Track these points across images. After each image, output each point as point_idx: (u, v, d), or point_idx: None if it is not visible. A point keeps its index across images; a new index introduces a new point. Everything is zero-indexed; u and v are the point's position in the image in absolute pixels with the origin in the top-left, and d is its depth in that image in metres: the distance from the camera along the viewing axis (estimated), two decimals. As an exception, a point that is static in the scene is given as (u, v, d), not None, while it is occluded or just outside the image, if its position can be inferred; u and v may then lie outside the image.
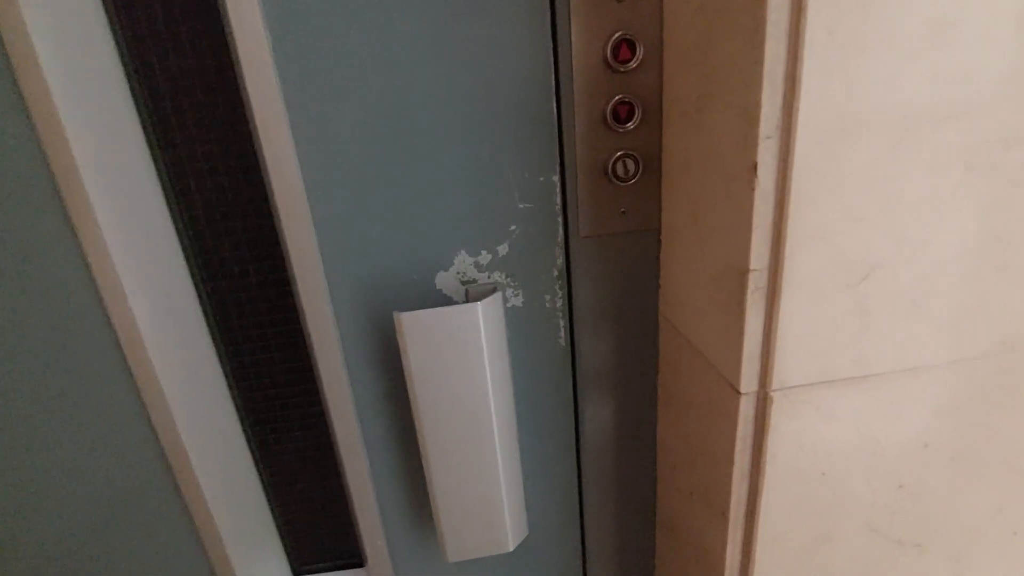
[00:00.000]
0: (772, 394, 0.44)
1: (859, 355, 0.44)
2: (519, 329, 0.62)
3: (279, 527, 0.73)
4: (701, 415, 0.53)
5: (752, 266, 0.41)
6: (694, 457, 0.56)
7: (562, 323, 0.62)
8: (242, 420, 0.67)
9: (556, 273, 0.60)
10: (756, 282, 0.41)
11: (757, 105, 0.37)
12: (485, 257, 0.59)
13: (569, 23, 0.51)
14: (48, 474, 0.61)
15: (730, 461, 0.48)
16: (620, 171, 0.56)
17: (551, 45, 0.52)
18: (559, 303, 0.61)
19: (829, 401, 0.45)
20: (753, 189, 0.39)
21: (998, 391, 0.48)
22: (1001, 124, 0.39)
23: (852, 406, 0.46)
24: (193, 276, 0.60)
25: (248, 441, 0.68)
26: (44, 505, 0.62)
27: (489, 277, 0.60)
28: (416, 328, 0.54)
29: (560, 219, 0.58)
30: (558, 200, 0.57)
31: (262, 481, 0.70)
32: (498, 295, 0.57)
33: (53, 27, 0.46)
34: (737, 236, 0.41)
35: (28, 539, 0.63)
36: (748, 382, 0.45)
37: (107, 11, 0.50)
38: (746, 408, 0.45)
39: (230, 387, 0.65)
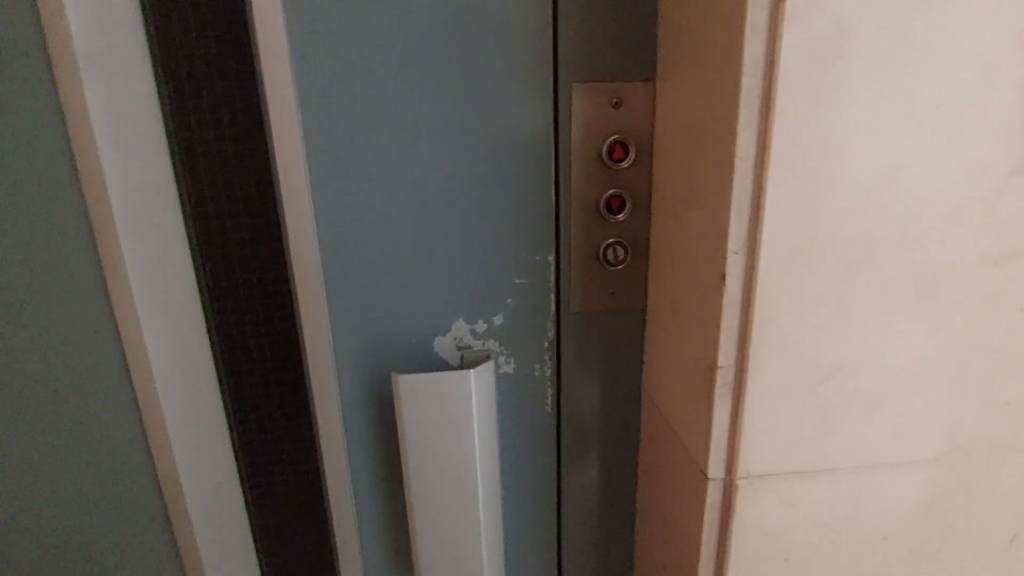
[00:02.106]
0: (738, 482, 0.47)
1: (820, 450, 0.47)
2: (509, 394, 0.65)
3: (263, 569, 0.74)
4: (675, 493, 0.56)
5: (720, 363, 0.45)
6: (667, 533, 0.58)
7: (550, 391, 0.66)
8: (238, 459, 0.69)
9: (547, 344, 0.64)
10: (724, 378, 0.45)
11: (726, 224, 0.42)
12: (481, 326, 0.63)
13: (570, 124, 0.57)
14: (38, 478, 0.62)
15: (698, 542, 0.50)
16: (611, 256, 0.60)
17: (553, 141, 0.58)
18: (548, 373, 0.65)
19: (792, 491, 0.48)
20: (722, 295, 0.43)
21: (954, 491, 0.51)
22: (947, 254, 0.43)
23: (813, 497, 0.49)
24: (207, 320, 0.64)
25: (241, 480, 0.70)
26: (31, 509, 0.63)
27: (484, 344, 0.64)
28: (412, 390, 0.58)
29: (553, 295, 0.62)
30: (552, 278, 0.62)
31: (251, 522, 0.72)
32: (490, 363, 0.61)
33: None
34: (708, 334, 0.46)
35: (13, 542, 0.65)
36: (716, 468, 0.48)
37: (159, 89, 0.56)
38: (713, 493, 0.48)
39: (230, 428, 0.68)
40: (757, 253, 0.41)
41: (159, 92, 0.57)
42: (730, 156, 0.40)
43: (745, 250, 0.42)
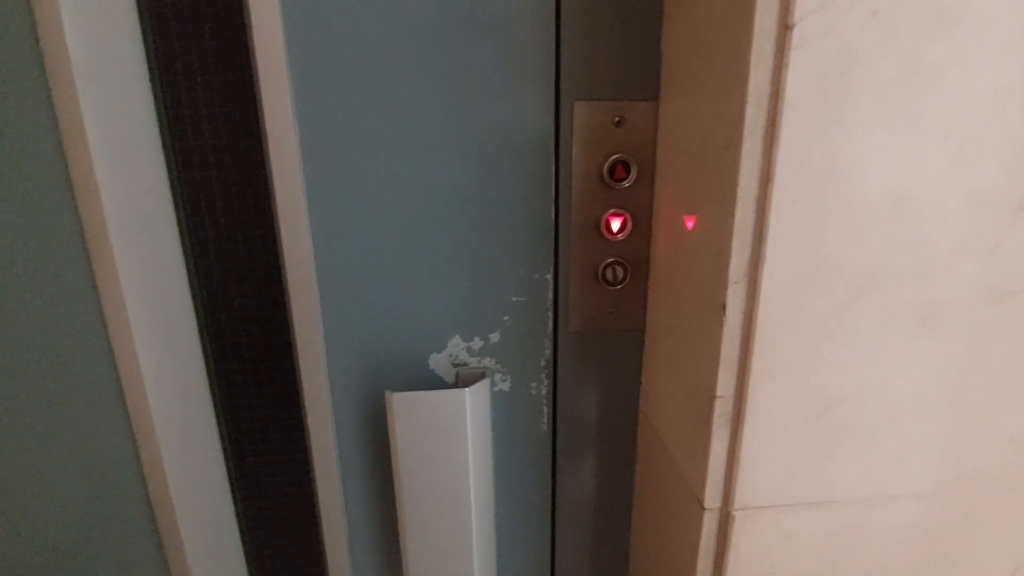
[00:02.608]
0: (735, 513, 0.46)
1: (819, 482, 0.46)
2: (504, 412, 0.65)
3: (253, 583, 0.74)
4: (670, 520, 0.55)
5: (719, 393, 0.44)
6: (662, 559, 0.58)
7: (546, 409, 0.65)
8: (230, 474, 0.69)
9: (543, 363, 0.63)
10: (722, 408, 0.44)
11: (727, 254, 0.41)
12: (477, 343, 0.62)
13: (571, 142, 0.57)
14: (28, 485, 0.61)
15: (692, 571, 0.49)
16: (609, 276, 0.60)
17: (554, 158, 0.57)
18: (544, 391, 0.64)
19: (789, 523, 0.47)
20: (722, 325, 0.42)
21: (956, 524, 0.50)
22: (950, 286, 0.42)
23: (811, 529, 0.48)
24: (200, 332, 0.64)
25: (233, 495, 0.69)
26: (19, 516, 0.62)
27: (480, 362, 0.63)
28: (405, 408, 0.57)
29: (551, 313, 0.62)
30: (550, 296, 0.61)
31: (242, 537, 0.71)
32: (486, 381, 0.60)
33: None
34: (707, 362, 0.45)
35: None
36: (712, 499, 0.47)
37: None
38: (709, 523, 0.47)
39: (223, 442, 0.67)
40: (759, 283, 0.41)
41: (156, 105, 0.56)
42: (733, 185, 0.40)
43: (746, 280, 0.41)
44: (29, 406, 0.59)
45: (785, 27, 0.37)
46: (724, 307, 0.42)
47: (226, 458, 0.68)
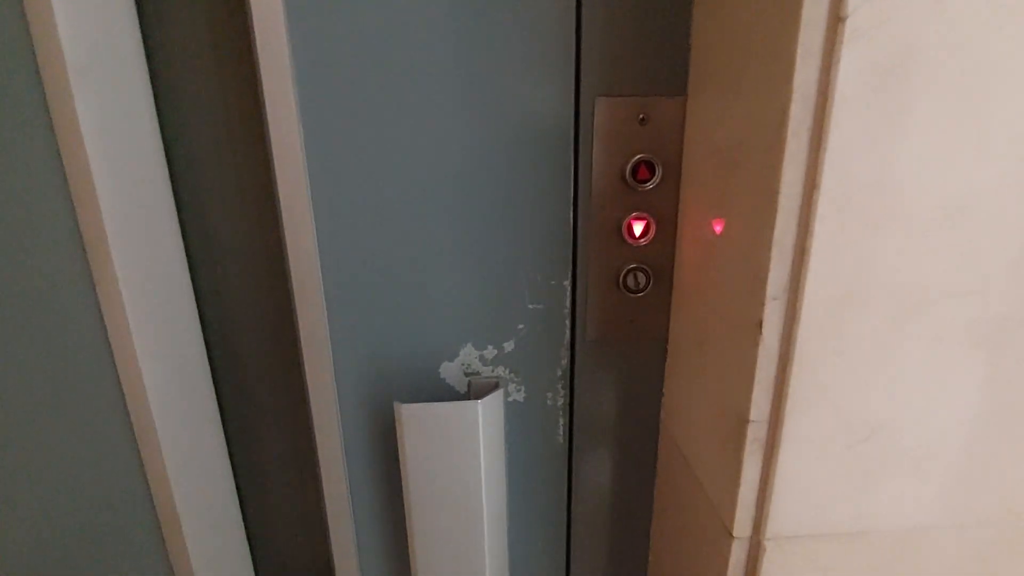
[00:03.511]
0: (765, 542, 0.43)
1: (857, 511, 0.43)
2: (518, 423, 0.62)
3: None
4: (694, 543, 0.52)
5: (752, 417, 0.41)
6: (683, 582, 0.55)
7: (562, 421, 0.62)
8: (238, 485, 0.67)
9: (560, 373, 0.60)
10: (755, 433, 0.41)
11: (765, 267, 0.37)
12: (491, 352, 0.59)
13: (592, 141, 0.53)
14: (28, 484, 0.60)
15: (718, 601, 0.47)
16: (631, 282, 0.56)
17: (573, 159, 0.54)
18: (560, 402, 0.61)
19: (824, 554, 0.44)
20: (757, 345, 0.39)
21: (1000, 557, 0.46)
22: (1010, 304, 0.39)
23: (848, 561, 0.45)
24: (206, 340, 0.62)
25: (242, 505, 0.68)
26: (19, 512, 0.61)
27: (493, 371, 0.60)
28: (415, 420, 0.55)
29: (568, 322, 0.59)
30: (568, 303, 0.58)
31: (251, 548, 0.69)
32: (499, 393, 0.57)
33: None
34: (739, 384, 0.42)
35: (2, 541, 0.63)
36: (742, 527, 0.44)
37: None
38: (738, 552, 0.44)
39: (231, 454, 0.65)
40: (800, 300, 0.37)
41: (156, 102, 0.54)
42: (773, 192, 0.36)
43: (786, 296, 0.38)
44: (30, 412, 0.57)
45: (837, 18, 0.33)
46: (760, 325, 0.38)
47: (233, 466, 0.66)
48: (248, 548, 0.69)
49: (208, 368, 0.62)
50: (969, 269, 0.38)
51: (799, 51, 0.33)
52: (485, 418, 0.55)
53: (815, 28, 0.33)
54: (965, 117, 0.35)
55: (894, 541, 0.45)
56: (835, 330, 0.38)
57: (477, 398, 0.54)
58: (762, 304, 0.38)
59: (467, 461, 0.56)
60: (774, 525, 0.43)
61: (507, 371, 0.60)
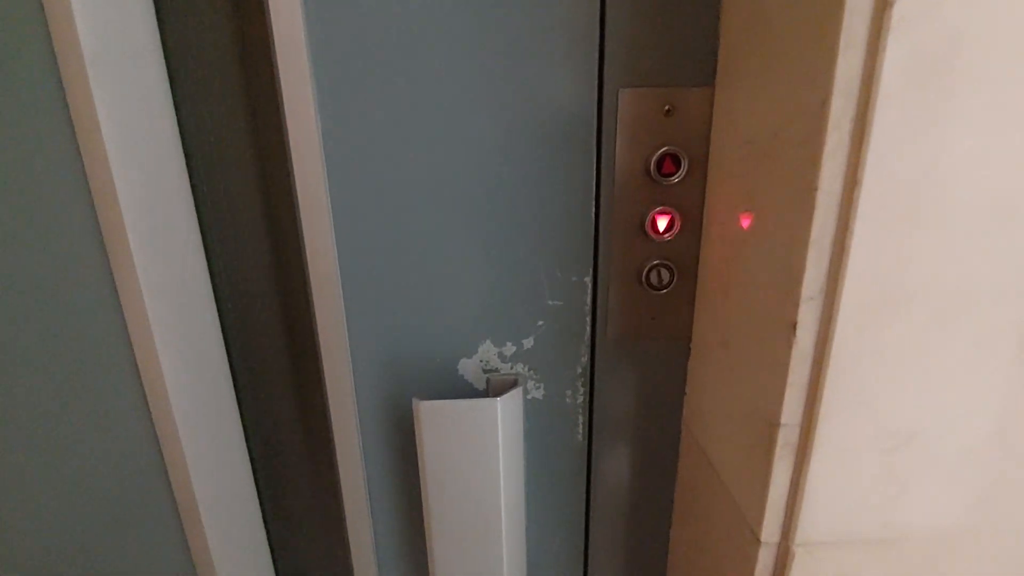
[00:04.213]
0: (795, 548, 0.42)
1: (890, 517, 0.42)
2: (537, 421, 0.61)
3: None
4: (718, 547, 0.51)
5: (783, 421, 0.39)
6: (705, 584, 0.54)
7: (581, 419, 0.61)
8: (258, 483, 0.67)
9: (580, 370, 0.59)
10: (786, 437, 0.40)
11: (801, 266, 0.36)
12: (510, 348, 0.58)
13: (616, 133, 0.52)
14: (48, 476, 0.60)
15: (743, 605, 0.46)
16: (654, 279, 0.55)
17: (596, 152, 0.52)
18: (580, 399, 0.60)
19: (853, 561, 0.43)
20: (791, 347, 0.37)
21: (1040, 565, 0.45)
22: (1062, 306, 0.37)
23: (879, 567, 0.43)
24: (224, 335, 0.62)
25: (261, 504, 0.68)
26: (41, 505, 0.62)
27: (512, 368, 0.59)
28: (434, 417, 0.54)
29: (588, 319, 0.57)
30: (588, 300, 0.57)
31: (271, 547, 0.70)
32: (518, 391, 0.56)
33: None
34: (770, 388, 0.40)
35: (24, 537, 0.63)
36: (770, 532, 0.43)
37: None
38: (765, 558, 0.43)
39: (250, 451, 0.66)
40: (837, 301, 0.36)
41: (173, 94, 0.53)
42: (811, 188, 0.34)
43: (822, 297, 0.36)
44: (51, 407, 0.57)
45: (884, 4, 0.31)
46: (794, 326, 0.37)
47: (254, 469, 0.66)
48: (267, 543, 0.70)
49: (227, 364, 0.62)
50: (1016, 270, 0.36)
51: (842, 40, 0.32)
52: (504, 415, 0.54)
53: (859, 15, 0.31)
54: (1017, 110, 0.33)
55: (926, 548, 0.43)
56: (873, 332, 0.37)
57: (496, 395, 0.54)
58: (797, 305, 0.37)
59: (486, 458, 0.56)
60: (803, 531, 0.42)
61: (526, 368, 0.59)
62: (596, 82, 0.51)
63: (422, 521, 0.65)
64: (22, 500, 0.61)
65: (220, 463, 0.62)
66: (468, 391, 0.60)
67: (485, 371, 0.59)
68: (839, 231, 0.35)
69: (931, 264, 0.35)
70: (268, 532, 0.69)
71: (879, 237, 0.34)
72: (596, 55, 0.50)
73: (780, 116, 0.38)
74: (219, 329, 0.61)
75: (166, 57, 0.53)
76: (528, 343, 0.58)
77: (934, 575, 0.44)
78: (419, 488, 0.63)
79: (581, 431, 0.62)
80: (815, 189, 0.34)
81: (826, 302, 0.36)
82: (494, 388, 0.59)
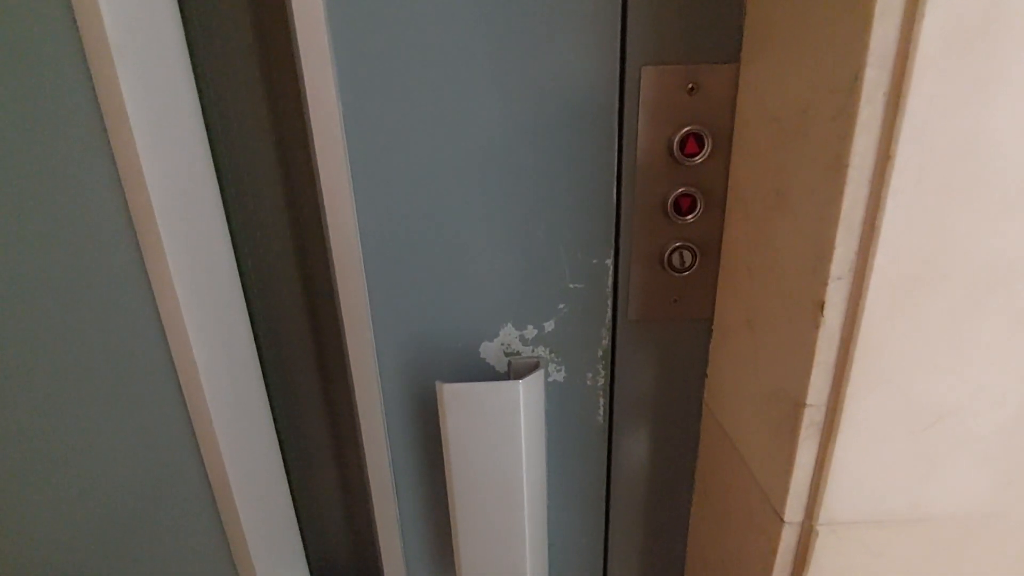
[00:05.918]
0: (818, 528, 0.42)
1: (917, 498, 0.41)
2: (558, 403, 0.61)
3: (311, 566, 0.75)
4: (739, 527, 0.51)
5: (809, 401, 0.39)
6: (727, 566, 0.54)
7: (602, 401, 0.62)
8: (288, 467, 0.69)
9: (600, 353, 0.59)
10: (812, 417, 0.39)
11: (830, 244, 0.35)
12: (531, 331, 0.59)
13: (638, 112, 0.51)
14: (81, 464, 0.63)
15: (766, 584, 0.46)
16: (676, 261, 0.55)
17: (617, 131, 0.52)
18: (601, 382, 0.61)
19: (880, 541, 0.43)
20: (818, 327, 0.37)
21: (1073, 547, 0.44)
22: (1104, 284, 0.35)
23: (904, 548, 0.43)
24: (253, 318, 0.63)
25: (289, 479, 0.70)
26: (84, 490, 0.64)
27: (533, 351, 0.60)
28: (457, 400, 0.55)
29: (610, 301, 0.57)
30: (609, 283, 0.57)
31: (298, 519, 0.72)
32: (540, 373, 0.56)
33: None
34: (795, 368, 0.40)
35: (54, 525, 0.67)
36: (793, 512, 0.43)
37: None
38: (788, 537, 0.43)
39: (278, 432, 0.67)
40: (867, 280, 0.35)
41: (197, 83, 0.54)
42: (842, 164, 0.34)
43: (851, 275, 0.36)
44: (88, 393, 0.59)
45: (921, -30, 0.30)
46: (822, 306, 0.36)
47: (280, 443, 0.68)
48: (296, 521, 0.72)
49: (255, 348, 0.63)
50: (1057, 245, 0.35)
51: (877, 7, 0.31)
52: (526, 398, 0.55)
53: (896, -18, 0.30)
54: (1063, 77, 0.31)
55: (953, 529, 0.43)
56: (905, 311, 0.36)
57: (517, 378, 0.54)
58: (825, 284, 0.36)
59: (508, 439, 0.56)
60: (828, 511, 0.42)
61: (547, 351, 0.59)
62: (618, 59, 0.50)
63: (446, 500, 0.66)
64: (65, 483, 0.64)
65: (251, 446, 0.64)
66: (490, 374, 0.60)
67: (507, 354, 0.60)
68: (870, 208, 0.34)
69: (966, 240, 0.35)
70: (297, 511, 0.71)
71: (912, 213, 0.34)
72: (618, 32, 0.49)
73: (809, 91, 0.37)
74: (246, 313, 0.62)
75: (189, 46, 0.53)
76: (549, 326, 0.58)
77: (960, 556, 0.44)
78: (442, 468, 0.64)
79: (602, 413, 0.62)
80: (846, 166, 0.33)
81: (855, 281, 0.36)
82: (516, 371, 0.59)
